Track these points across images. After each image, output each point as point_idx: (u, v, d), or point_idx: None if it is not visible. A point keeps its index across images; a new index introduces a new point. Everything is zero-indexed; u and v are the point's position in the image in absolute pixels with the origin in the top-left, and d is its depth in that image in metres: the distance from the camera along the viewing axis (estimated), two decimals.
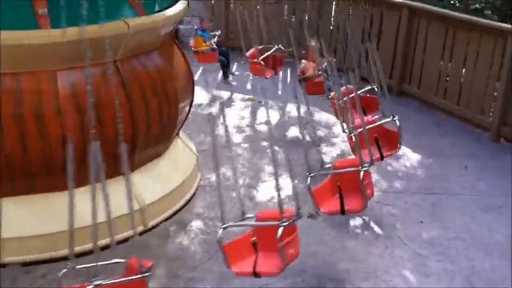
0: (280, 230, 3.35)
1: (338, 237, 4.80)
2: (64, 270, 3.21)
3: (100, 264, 3.22)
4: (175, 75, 5.09)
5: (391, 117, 4.83)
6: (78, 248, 4.06)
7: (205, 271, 4.33)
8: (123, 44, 4.41)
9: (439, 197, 5.53)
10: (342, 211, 4.13)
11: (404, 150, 6.50)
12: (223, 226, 3.60)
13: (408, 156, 6.41)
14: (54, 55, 4.19)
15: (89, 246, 3.77)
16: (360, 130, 4.48)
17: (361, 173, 3.88)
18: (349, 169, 4.17)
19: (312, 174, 4.08)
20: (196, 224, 5.00)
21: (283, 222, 3.38)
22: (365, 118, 4.88)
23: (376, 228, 4.98)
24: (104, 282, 3.13)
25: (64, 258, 4.37)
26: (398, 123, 4.80)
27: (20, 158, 4.21)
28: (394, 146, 4.90)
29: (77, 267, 3.22)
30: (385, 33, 8.34)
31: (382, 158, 4.80)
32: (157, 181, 5.04)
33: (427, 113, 7.64)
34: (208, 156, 6.24)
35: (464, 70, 7.26)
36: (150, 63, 4.80)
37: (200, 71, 9.01)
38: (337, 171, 4.21)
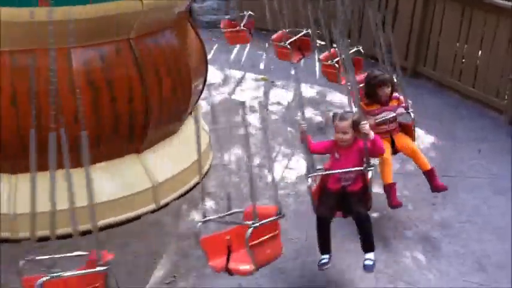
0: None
1: (349, 218, 4.80)
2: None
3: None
4: (189, 54, 5.08)
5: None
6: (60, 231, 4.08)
7: None
8: (136, 22, 4.40)
9: (452, 179, 5.50)
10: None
11: (417, 132, 6.43)
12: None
13: (421, 138, 6.36)
14: (69, 33, 4.19)
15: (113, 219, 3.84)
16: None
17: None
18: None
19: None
20: (208, 203, 5.03)
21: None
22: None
23: (388, 209, 4.98)
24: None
25: (69, 236, 4.47)
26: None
27: (34, 135, 4.24)
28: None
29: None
30: (400, 13, 8.24)
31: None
32: (169, 160, 5.06)
33: (441, 95, 7.57)
34: (221, 136, 6.26)
35: (480, 52, 7.17)
36: (163, 41, 4.80)
37: (213, 50, 8.99)
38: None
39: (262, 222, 3.35)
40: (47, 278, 3.10)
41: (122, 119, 4.51)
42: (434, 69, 7.85)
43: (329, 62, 6.01)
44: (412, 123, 4.89)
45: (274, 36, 6.71)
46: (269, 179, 5.29)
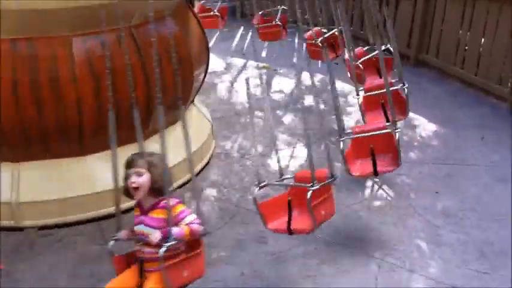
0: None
1: (352, 206, 4.81)
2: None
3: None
4: (190, 42, 5.06)
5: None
6: (107, 210, 4.14)
7: (220, 237, 4.38)
8: (137, 9, 4.38)
9: (454, 167, 5.50)
10: (375, 172, 4.24)
11: (420, 120, 6.47)
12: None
13: (424, 126, 6.37)
14: (69, 20, 4.18)
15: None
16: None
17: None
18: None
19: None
20: (211, 192, 5.04)
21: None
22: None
23: (390, 198, 4.98)
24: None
25: (80, 223, 4.48)
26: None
27: (36, 124, 4.24)
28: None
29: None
30: (403, 2, 8.20)
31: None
32: (171, 148, 5.04)
33: (444, 83, 7.56)
34: (223, 124, 6.26)
35: (483, 40, 7.14)
36: (164, 29, 4.77)
37: (215, 38, 8.97)
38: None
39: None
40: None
41: (124, 108, 4.49)
42: (437, 57, 7.83)
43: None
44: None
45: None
46: (272, 167, 5.31)
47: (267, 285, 3.93)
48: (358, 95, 4.88)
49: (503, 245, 4.38)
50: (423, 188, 5.13)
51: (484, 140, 6.04)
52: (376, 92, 4.76)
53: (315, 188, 3.57)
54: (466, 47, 7.42)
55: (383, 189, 5.12)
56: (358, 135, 4.29)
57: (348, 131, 4.33)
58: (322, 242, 4.34)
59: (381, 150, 4.27)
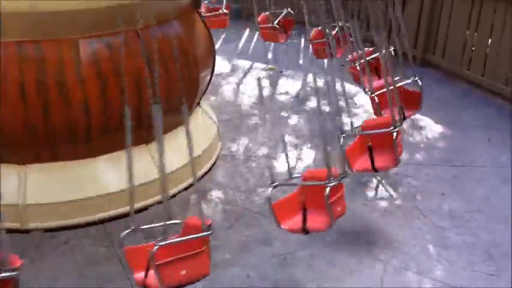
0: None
1: (358, 208, 4.80)
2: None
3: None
4: (196, 44, 5.07)
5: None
6: (113, 212, 4.17)
7: (225, 240, 4.38)
8: (144, 12, 4.39)
9: (461, 169, 5.48)
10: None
11: (426, 121, 6.45)
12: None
13: (430, 128, 6.35)
14: (76, 23, 4.20)
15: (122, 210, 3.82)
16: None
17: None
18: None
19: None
20: (216, 193, 5.04)
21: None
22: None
23: (396, 200, 4.97)
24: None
25: (86, 225, 4.49)
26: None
27: (43, 126, 4.26)
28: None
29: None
30: (410, 2, 8.18)
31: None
32: (178, 150, 5.05)
33: (451, 84, 7.53)
34: (229, 126, 6.26)
35: (490, 40, 7.11)
36: (171, 31, 4.79)
37: (221, 40, 8.98)
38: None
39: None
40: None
41: (130, 110, 4.51)
42: (443, 57, 7.80)
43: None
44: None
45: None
46: (278, 169, 5.31)
47: (273, 287, 3.93)
48: (372, 93, 4.88)
49: (510, 246, 4.36)
50: (429, 190, 5.12)
51: (491, 141, 6.02)
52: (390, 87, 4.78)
53: (332, 184, 3.61)
54: (473, 48, 7.39)
55: (389, 191, 5.11)
56: (362, 133, 4.35)
57: (355, 127, 4.42)
58: (327, 243, 4.34)
59: (383, 147, 4.31)
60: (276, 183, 3.81)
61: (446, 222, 4.65)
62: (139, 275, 3.25)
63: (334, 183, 3.63)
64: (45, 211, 4.38)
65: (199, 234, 3.21)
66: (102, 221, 4.50)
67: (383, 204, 4.93)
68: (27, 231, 4.39)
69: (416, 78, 4.90)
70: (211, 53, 5.48)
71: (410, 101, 4.96)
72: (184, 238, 3.21)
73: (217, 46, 6.94)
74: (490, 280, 3.99)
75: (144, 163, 4.79)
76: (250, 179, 5.26)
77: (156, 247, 3.09)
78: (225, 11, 7.69)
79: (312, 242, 4.30)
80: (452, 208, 4.86)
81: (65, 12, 4.11)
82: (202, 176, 5.19)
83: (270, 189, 3.79)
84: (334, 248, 4.31)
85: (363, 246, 4.34)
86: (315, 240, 4.31)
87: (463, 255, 4.26)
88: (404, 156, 5.47)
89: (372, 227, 4.60)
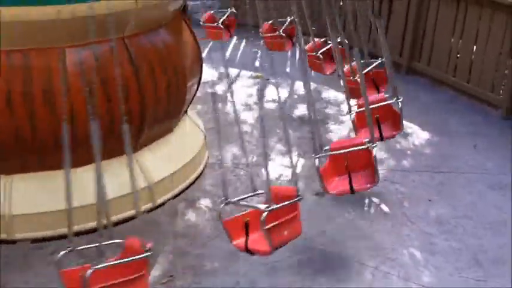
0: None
1: (345, 215, 4.82)
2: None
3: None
4: (183, 52, 5.07)
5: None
6: (80, 226, 4.13)
7: (214, 248, 4.37)
8: (131, 20, 4.39)
9: (447, 175, 5.52)
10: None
11: (413, 128, 6.50)
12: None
13: (417, 134, 6.39)
14: (63, 32, 4.18)
15: (91, 224, 3.78)
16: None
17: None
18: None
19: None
20: (204, 202, 5.03)
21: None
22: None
23: (384, 207, 4.99)
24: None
25: (74, 235, 4.45)
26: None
27: (29, 135, 4.23)
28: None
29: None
30: (395, 9, 8.24)
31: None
32: (165, 159, 5.05)
33: (437, 91, 7.59)
34: (216, 134, 6.25)
35: (475, 47, 7.18)
36: (158, 39, 4.78)
37: (208, 48, 8.97)
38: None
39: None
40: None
41: (117, 119, 4.49)
42: (429, 65, 7.86)
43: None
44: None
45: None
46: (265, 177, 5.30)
47: None
48: (350, 111, 4.81)
49: (497, 252, 4.39)
50: (416, 196, 5.14)
51: (477, 147, 6.07)
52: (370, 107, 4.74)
53: (269, 209, 3.45)
54: (458, 55, 7.46)
55: (376, 197, 5.12)
56: (334, 153, 4.22)
57: (326, 147, 4.26)
58: (316, 251, 4.35)
59: (358, 166, 4.22)
60: (227, 201, 3.71)
61: (433, 229, 4.68)
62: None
63: (271, 209, 3.45)
64: (31, 221, 4.35)
65: (138, 256, 3.08)
66: (89, 231, 4.47)
67: (371, 210, 4.95)
68: (14, 241, 4.35)
69: (399, 100, 4.85)
70: (199, 61, 5.48)
71: (392, 122, 4.85)
72: (122, 261, 3.08)
73: (204, 54, 6.94)
74: (477, 286, 4.02)
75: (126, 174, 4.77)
76: (239, 187, 5.26)
77: (90, 270, 2.98)
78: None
79: (301, 249, 4.30)
80: (439, 214, 4.89)
81: (51, 21, 4.10)
82: (191, 185, 5.18)
83: (222, 205, 3.71)
84: (322, 255, 4.32)
85: (351, 254, 4.35)
86: (304, 248, 4.32)
87: (450, 261, 4.28)
88: (391, 162, 5.52)
89: (359, 234, 4.61)
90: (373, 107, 4.58)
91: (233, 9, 7.52)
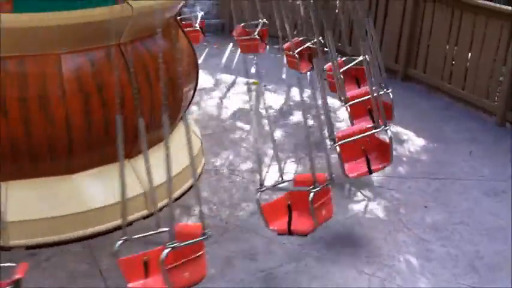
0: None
1: (341, 221, 4.81)
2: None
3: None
4: (179, 59, 5.06)
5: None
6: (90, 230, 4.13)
7: (210, 255, 4.31)
8: (127, 27, 4.38)
9: (443, 181, 5.52)
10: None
11: (408, 134, 6.51)
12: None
13: (412, 141, 6.40)
14: (59, 38, 4.18)
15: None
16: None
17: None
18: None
19: (262, 190, 4.01)
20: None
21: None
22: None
23: (380, 213, 4.99)
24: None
25: (68, 242, 4.44)
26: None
27: (24, 142, 4.22)
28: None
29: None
30: (390, 16, 8.27)
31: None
32: (161, 165, 5.03)
33: (432, 97, 7.61)
34: (212, 140, 6.25)
35: (470, 54, 7.21)
36: (154, 46, 4.78)
37: (204, 54, 8.99)
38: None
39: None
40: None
41: (113, 125, 4.48)
42: (424, 71, 7.88)
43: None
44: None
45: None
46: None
47: None
48: (345, 103, 4.93)
49: (494, 258, 4.39)
50: (413, 203, 5.14)
51: (473, 154, 6.08)
52: (362, 98, 4.84)
53: (316, 189, 3.72)
54: (453, 61, 7.48)
55: (373, 204, 5.12)
56: (350, 139, 4.43)
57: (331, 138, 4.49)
58: (312, 258, 4.33)
59: (369, 150, 4.45)
60: (264, 188, 3.94)
61: (429, 235, 4.68)
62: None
63: (318, 189, 3.77)
64: (26, 228, 4.32)
65: (200, 238, 3.32)
66: (84, 238, 4.45)
67: (367, 217, 4.94)
68: (9, 248, 4.32)
69: (389, 91, 4.89)
70: (195, 68, 5.48)
71: (380, 153, 4.64)
72: (189, 242, 3.29)
73: (200, 61, 6.95)
74: None
75: (128, 178, 4.76)
76: (235, 194, 5.25)
77: (166, 250, 3.19)
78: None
79: (297, 256, 4.29)
80: (435, 221, 4.88)
81: (48, 27, 4.09)
82: (186, 191, 5.17)
83: (259, 193, 3.93)
84: (318, 262, 4.31)
85: (347, 260, 4.34)
86: (300, 254, 4.31)
87: (446, 268, 4.27)
88: (387, 169, 5.50)
89: (356, 241, 4.60)
90: (361, 138, 4.55)
91: (265, 20, 7.38)
